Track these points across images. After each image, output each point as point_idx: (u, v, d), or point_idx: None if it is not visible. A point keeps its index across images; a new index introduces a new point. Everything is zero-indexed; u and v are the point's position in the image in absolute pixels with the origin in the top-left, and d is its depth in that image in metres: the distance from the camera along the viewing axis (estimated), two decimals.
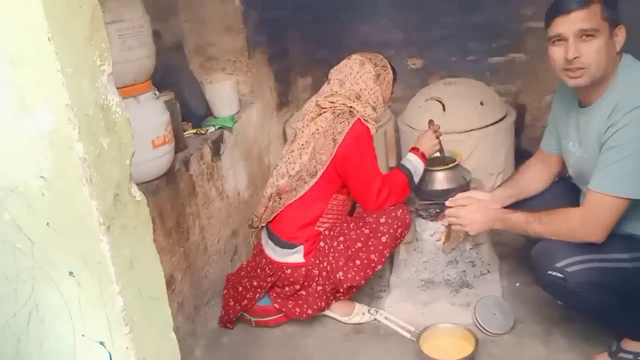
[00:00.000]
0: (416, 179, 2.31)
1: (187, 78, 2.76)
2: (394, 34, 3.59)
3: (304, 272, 2.24)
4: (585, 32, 1.67)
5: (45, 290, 1.03)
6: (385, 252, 2.20)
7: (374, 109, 2.23)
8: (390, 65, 2.31)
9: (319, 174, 2.17)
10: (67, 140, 0.89)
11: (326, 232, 2.24)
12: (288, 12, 3.55)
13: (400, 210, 2.20)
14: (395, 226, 2.18)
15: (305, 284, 2.25)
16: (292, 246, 2.25)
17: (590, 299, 1.74)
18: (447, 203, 2.11)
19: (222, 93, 2.82)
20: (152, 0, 2.40)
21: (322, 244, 2.23)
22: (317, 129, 2.20)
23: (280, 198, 2.29)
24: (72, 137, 0.89)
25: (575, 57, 1.69)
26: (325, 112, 2.22)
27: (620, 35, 1.72)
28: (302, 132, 2.27)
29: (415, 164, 2.31)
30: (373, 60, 2.25)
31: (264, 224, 2.37)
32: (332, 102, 2.22)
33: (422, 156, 2.34)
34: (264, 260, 2.34)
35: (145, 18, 1.97)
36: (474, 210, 2.02)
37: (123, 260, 0.98)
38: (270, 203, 2.34)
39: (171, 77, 2.57)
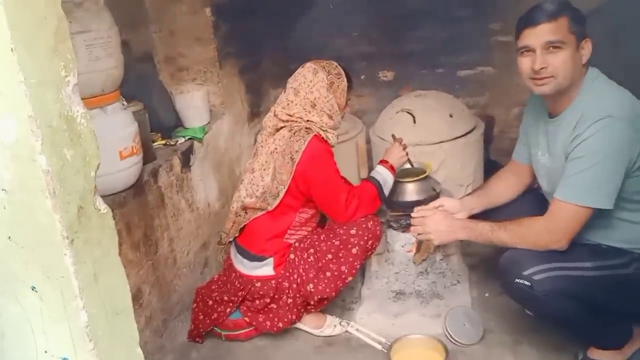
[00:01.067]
0: (386, 191, 2.33)
1: (157, 88, 2.74)
2: (366, 47, 3.62)
3: (274, 285, 2.22)
4: (552, 44, 1.73)
5: (6, 305, 1.01)
6: (355, 263, 2.20)
7: (330, 117, 2.23)
8: (346, 72, 2.30)
9: (281, 195, 2.17)
10: (30, 152, 0.87)
11: (296, 244, 2.24)
12: (260, 24, 3.55)
13: (371, 222, 2.21)
14: (365, 238, 2.18)
15: (276, 297, 2.24)
16: (261, 259, 2.24)
17: (556, 307, 1.77)
18: (412, 214, 2.14)
19: (193, 104, 2.80)
20: (122, 11, 2.37)
21: (292, 256, 2.22)
22: (276, 148, 2.20)
23: (246, 212, 2.30)
24: (34, 148, 0.87)
25: (542, 68, 1.74)
26: (283, 127, 2.21)
27: (587, 48, 1.77)
28: (262, 147, 2.27)
29: (384, 176, 2.33)
30: (326, 69, 2.25)
31: (231, 239, 2.36)
32: (290, 115, 2.21)
33: (391, 168, 2.36)
34: (233, 274, 2.32)
35: (113, 29, 1.95)
36: (438, 220, 2.05)
37: (87, 274, 0.96)
38: (237, 218, 2.33)
39: (141, 87, 2.54)
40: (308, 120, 2.19)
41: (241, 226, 2.30)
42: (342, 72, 2.27)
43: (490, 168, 2.93)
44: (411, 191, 2.43)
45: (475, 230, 1.96)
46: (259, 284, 2.24)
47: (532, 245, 1.80)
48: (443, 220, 2.04)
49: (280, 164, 2.17)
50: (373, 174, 2.35)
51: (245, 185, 2.31)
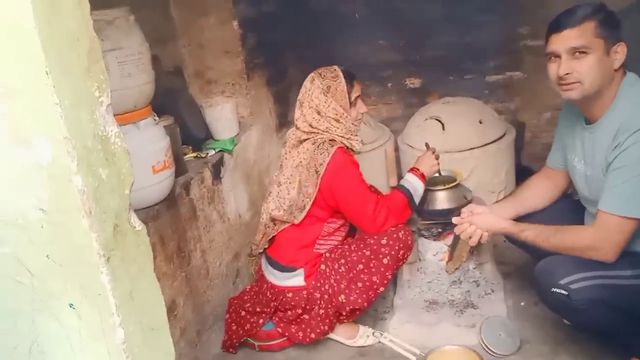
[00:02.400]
0: (416, 199, 2.30)
1: (186, 102, 2.77)
2: (392, 55, 3.61)
3: (305, 296, 2.22)
4: (577, 50, 1.71)
5: (45, 323, 1.02)
6: (387, 274, 2.19)
7: (337, 120, 2.20)
8: (346, 72, 2.25)
9: (307, 207, 2.18)
10: (66, 172, 0.89)
11: (327, 254, 2.23)
12: (286, 34, 3.58)
13: (402, 232, 2.19)
14: (397, 247, 2.16)
15: (308, 307, 2.24)
16: (292, 269, 2.24)
17: (595, 316, 1.73)
18: (453, 220, 2.11)
19: (222, 116, 2.83)
20: (151, 26, 2.42)
21: (323, 266, 2.22)
22: (300, 161, 2.20)
23: (275, 224, 2.31)
24: (70, 169, 0.88)
25: (567, 74, 1.72)
26: (306, 140, 2.22)
27: (620, 52, 1.73)
28: (287, 160, 2.28)
29: (414, 184, 2.30)
30: (322, 74, 2.23)
31: (261, 250, 2.37)
32: (311, 127, 2.21)
33: (422, 176, 2.33)
34: (265, 285, 2.33)
35: (144, 45, 1.98)
36: (483, 218, 2.03)
37: (123, 292, 0.97)
38: (266, 229, 2.35)
39: (171, 101, 2.58)
40: (325, 130, 2.19)
41: (270, 237, 2.31)
42: (339, 74, 2.22)
43: (523, 174, 2.88)
44: (442, 199, 2.40)
45: (518, 236, 1.94)
46: (290, 295, 2.24)
47: (577, 254, 1.77)
48: (488, 218, 2.03)
49: (306, 177, 2.17)
50: (403, 182, 2.32)
51: (273, 198, 2.32)
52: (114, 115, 1.91)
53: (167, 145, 2.07)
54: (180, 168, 2.28)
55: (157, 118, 2.09)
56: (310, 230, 2.23)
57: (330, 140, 2.17)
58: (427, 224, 2.45)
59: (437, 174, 2.43)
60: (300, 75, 3.70)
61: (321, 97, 2.20)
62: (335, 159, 2.12)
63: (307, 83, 2.26)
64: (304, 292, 2.22)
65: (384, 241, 2.16)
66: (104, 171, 0.94)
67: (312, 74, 2.27)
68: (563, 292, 1.73)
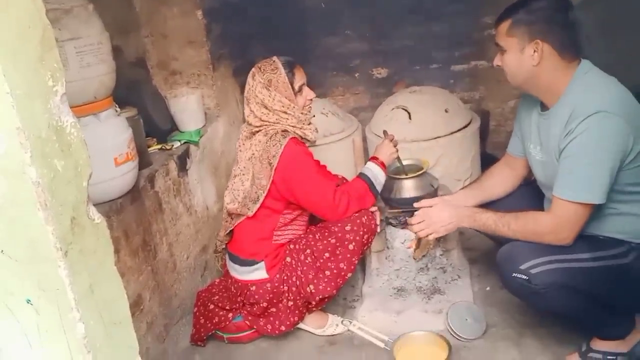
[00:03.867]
0: (378, 187, 2.29)
1: (150, 93, 2.73)
2: (358, 45, 3.62)
3: (269, 288, 2.22)
4: (499, 47, 1.87)
5: (2, 320, 0.99)
6: (353, 259, 2.19)
7: (285, 112, 2.19)
8: (286, 62, 2.21)
9: (261, 199, 2.17)
10: (19, 165, 0.86)
11: (291, 246, 2.23)
12: (252, 25, 3.54)
13: (365, 217, 2.20)
14: (361, 232, 2.17)
15: (275, 300, 2.23)
16: (251, 263, 2.24)
17: (555, 300, 1.77)
18: (409, 220, 2.12)
19: (187, 107, 2.79)
20: (112, 16, 2.36)
21: (288, 259, 2.22)
22: (253, 154, 2.19)
23: (232, 218, 2.30)
24: (24, 161, 0.85)
25: (497, 65, 1.90)
26: (259, 132, 2.20)
27: (538, 50, 1.77)
28: (241, 152, 2.27)
29: (374, 171, 2.30)
30: (262, 68, 2.21)
31: (224, 246, 2.37)
32: (263, 121, 2.19)
33: (382, 164, 2.33)
34: (230, 280, 2.33)
35: (104, 35, 1.94)
36: (440, 210, 2.03)
37: (82, 286, 0.95)
38: (225, 224, 2.35)
39: (134, 92, 2.53)
40: (276, 122, 2.18)
41: (228, 232, 2.31)
42: (279, 66, 2.19)
43: (488, 162, 2.93)
44: (409, 188, 2.42)
45: (479, 220, 1.95)
46: (254, 288, 2.23)
47: (537, 240, 1.80)
48: (444, 210, 2.03)
49: (259, 169, 2.16)
50: (363, 170, 2.33)
51: (229, 191, 2.31)
52: (74, 106, 1.86)
53: (129, 137, 2.02)
54: (144, 160, 2.24)
55: (118, 109, 2.05)
56: (266, 222, 2.22)
57: (282, 131, 2.16)
58: (395, 212, 2.47)
59: (398, 163, 2.44)
60: None
61: (264, 91, 2.18)
62: (287, 150, 2.10)
63: (249, 79, 2.23)
64: (268, 284, 2.22)
65: (348, 227, 2.16)
66: (59, 162, 0.91)
67: (253, 69, 2.24)
68: (523, 277, 1.76)
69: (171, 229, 2.36)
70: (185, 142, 2.63)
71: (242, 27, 3.43)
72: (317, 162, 2.26)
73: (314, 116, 2.33)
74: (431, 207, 2.06)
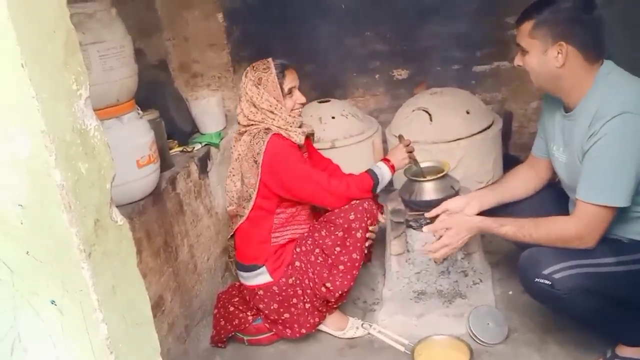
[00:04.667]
0: (381, 186, 2.30)
1: (172, 95, 2.76)
2: (379, 46, 3.60)
3: (276, 291, 2.23)
4: (520, 47, 1.82)
5: (27, 320, 1.01)
6: (363, 246, 2.19)
7: (272, 112, 2.19)
8: (279, 63, 2.22)
9: (253, 196, 2.18)
10: (44, 167, 0.87)
11: (297, 249, 2.22)
12: (272, 27, 3.55)
13: (366, 203, 2.19)
14: (365, 218, 2.17)
15: (285, 304, 2.23)
16: (254, 268, 2.25)
17: (579, 305, 1.74)
18: (426, 248, 2.09)
19: (208, 109, 2.81)
20: (135, 19, 2.39)
21: (297, 263, 2.21)
22: (239, 154, 2.21)
23: (232, 222, 2.33)
24: (49, 163, 0.87)
25: (519, 65, 1.87)
26: (245, 133, 2.22)
27: (562, 52, 1.74)
28: (232, 154, 2.29)
29: (383, 171, 2.30)
30: (255, 67, 2.23)
31: (234, 252, 2.39)
32: (249, 120, 2.21)
33: (392, 167, 2.33)
34: (241, 286, 2.36)
35: (126, 38, 1.96)
36: (455, 231, 1.99)
37: (105, 287, 0.96)
38: (230, 227, 2.38)
39: (156, 94, 2.56)
40: (261, 121, 2.19)
41: (231, 235, 2.33)
42: (270, 66, 2.20)
43: (510, 163, 2.88)
44: (430, 190, 2.39)
45: (498, 234, 1.93)
46: (261, 292, 2.25)
47: (560, 245, 1.77)
48: (461, 229, 1.99)
49: (247, 168, 2.17)
50: (373, 168, 2.32)
51: (226, 194, 2.34)
52: (97, 109, 1.89)
53: (151, 139, 2.05)
54: (166, 162, 2.26)
55: (141, 112, 2.08)
56: (262, 225, 2.22)
57: (265, 129, 2.17)
58: (415, 214, 2.45)
59: (415, 166, 2.42)
60: None
61: (254, 89, 2.20)
62: (271, 146, 2.11)
63: (243, 77, 2.26)
64: (275, 287, 2.23)
65: (352, 216, 2.15)
66: (83, 165, 0.92)
67: (247, 68, 2.27)
68: (546, 282, 1.73)
69: (192, 231, 2.38)
70: (206, 144, 2.66)
71: (263, 29, 3.44)
72: (303, 157, 2.26)
73: (301, 123, 2.30)
74: (449, 228, 2.01)
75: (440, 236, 2.08)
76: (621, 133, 1.65)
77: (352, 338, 2.32)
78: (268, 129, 2.17)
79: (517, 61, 1.87)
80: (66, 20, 0.92)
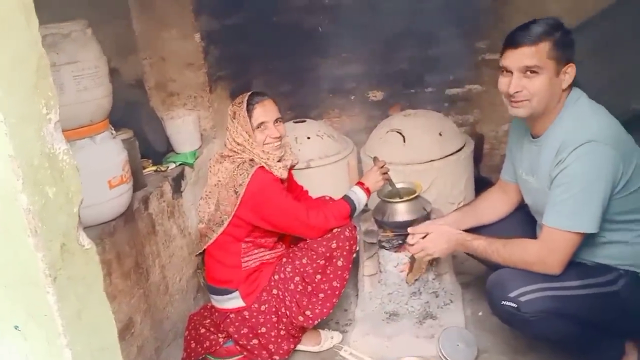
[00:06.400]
0: (358, 211, 2.34)
1: (147, 115, 2.75)
2: (355, 68, 3.66)
3: (247, 316, 2.22)
4: (529, 69, 1.73)
5: None
6: (344, 275, 2.22)
7: (239, 144, 2.21)
8: (251, 98, 2.23)
9: (225, 223, 2.18)
10: (11, 191, 0.87)
11: (276, 276, 2.23)
12: (250, 47, 3.57)
13: (348, 230, 2.22)
14: (347, 247, 2.20)
15: (255, 331, 2.23)
16: (226, 292, 2.24)
17: (545, 327, 1.77)
18: (408, 240, 2.14)
19: (183, 129, 2.81)
20: (111, 39, 2.40)
21: (274, 291, 2.22)
22: (219, 180, 2.22)
23: (201, 241, 2.33)
24: (15, 187, 0.87)
25: (517, 92, 1.76)
26: (228, 158, 2.24)
27: (570, 73, 1.77)
28: (210, 174, 2.30)
29: (359, 196, 2.34)
30: (235, 100, 2.28)
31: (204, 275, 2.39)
32: (231, 149, 2.24)
33: (367, 190, 2.37)
34: (213, 309, 2.36)
35: (102, 58, 1.96)
36: (435, 238, 2.05)
37: (71, 312, 0.95)
38: (199, 244, 2.38)
39: (131, 113, 2.55)
40: (243, 152, 2.21)
41: (199, 253, 2.35)
42: (244, 100, 2.23)
43: (481, 185, 2.95)
44: (402, 211, 2.43)
45: (470, 247, 1.98)
46: (232, 316, 2.25)
47: (525, 268, 1.80)
48: (440, 237, 2.05)
49: (224, 196, 2.18)
50: (349, 193, 2.35)
51: (197, 212, 2.35)
52: (69, 129, 1.88)
53: (124, 159, 2.04)
54: (139, 182, 2.25)
55: (114, 132, 2.06)
56: (230, 250, 2.22)
57: (250, 160, 2.19)
58: (388, 235, 2.47)
59: (390, 186, 2.46)
60: (264, 89, 3.75)
61: (230, 122, 2.25)
62: (255, 180, 2.12)
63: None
64: (246, 312, 2.22)
65: (334, 245, 2.18)
66: (51, 189, 0.92)
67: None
68: (513, 304, 1.76)
69: (164, 251, 2.37)
70: (180, 164, 2.65)
71: (240, 49, 3.47)
72: (285, 190, 2.27)
73: (281, 157, 2.28)
74: (425, 236, 2.07)
75: (413, 256, 2.13)
76: (588, 161, 1.68)
77: (329, 349, 2.35)
78: (252, 160, 2.19)
79: (516, 87, 1.75)
80: (38, 45, 0.93)
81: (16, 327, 0.95)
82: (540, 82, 1.73)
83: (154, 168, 2.56)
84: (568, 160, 1.70)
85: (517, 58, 1.74)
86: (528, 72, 1.74)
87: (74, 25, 1.88)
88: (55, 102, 0.96)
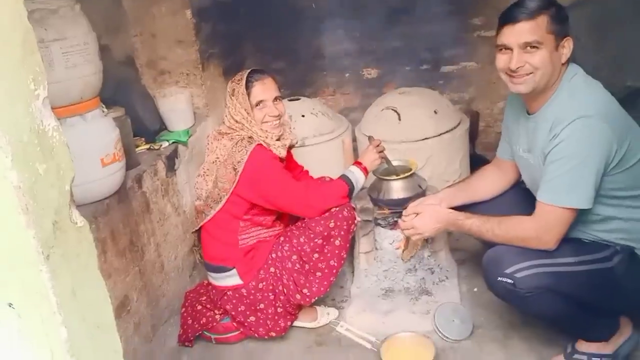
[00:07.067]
0: (356, 191, 2.34)
1: (139, 93, 2.71)
2: (349, 45, 3.63)
3: (244, 293, 2.23)
4: (530, 44, 1.72)
5: None
6: (342, 254, 2.22)
7: (242, 123, 2.20)
8: (250, 75, 2.21)
9: (223, 200, 2.18)
10: (0, 169, 0.86)
11: (273, 254, 2.23)
12: (243, 24, 3.54)
13: (346, 210, 2.21)
14: (345, 226, 2.19)
15: (253, 307, 2.24)
16: (223, 269, 2.25)
17: (540, 303, 1.78)
18: (399, 221, 2.14)
19: (176, 107, 2.78)
20: (101, 15, 2.35)
21: (272, 269, 2.22)
22: (217, 157, 2.21)
23: (197, 218, 2.33)
24: (5, 164, 0.85)
25: (518, 67, 1.74)
26: (226, 135, 2.22)
27: (567, 47, 1.76)
28: (208, 152, 2.29)
29: (356, 176, 2.34)
30: (233, 78, 2.26)
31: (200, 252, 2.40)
32: (230, 126, 2.23)
33: (364, 170, 2.37)
34: (210, 286, 2.36)
35: (91, 35, 1.92)
36: (425, 218, 2.05)
37: (65, 289, 0.95)
38: (195, 220, 2.38)
39: (123, 92, 2.52)
40: (241, 129, 2.20)
41: (197, 228, 2.34)
42: (243, 77, 2.21)
43: (477, 163, 2.95)
44: (398, 189, 2.42)
45: (463, 226, 1.96)
46: (230, 293, 2.25)
47: (520, 244, 1.80)
48: (431, 216, 2.04)
49: (223, 173, 2.17)
50: (346, 172, 2.35)
51: (195, 189, 2.35)
52: (59, 107, 1.86)
53: (116, 137, 2.02)
54: (132, 160, 2.23)
55: (105, 109, 2.04)
56: (228, 227, 2.22)
57: (249, 137, 2.18)
58: (383, 213, 2.48)
59: (386, 164, 2.46)
60: (258, 65, 3.71)
61: (229, 99, 2.23)
62: (253, 157, 2.12)
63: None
64: (243, 290, 2.23)
65: (331, 224, 2.17)
66: (41, 166, 0.90)
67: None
68: (509, 280, 1.77)
69: (159, 230, 2.36)
70: (173, 142, 2.63)
71: (232, 26, 3.42)
72: (284, 169, 2.26)
73: (280, 136, 2.27)
74: (416, 215, 2.06)
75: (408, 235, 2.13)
76: (581, 136, 1.68)
77: (326, 324, 2.37)
78: (251, 137, 2.17)
79: (518, 62, 1.73)
80: (23, 19, 0.90)
81: (10, 305, 0.94)
82: (541, 56, 1.71)
83: (147, 146, 2.54)
84: (561, 136, 1.69)
85: (517, 34, 1.72)
86: (528, 48, 1.72)
87: (61, 0, 1.84)
88: (43, 78, 0.94)
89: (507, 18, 1.75)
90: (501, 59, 1.79)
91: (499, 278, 1.79)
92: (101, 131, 1.95)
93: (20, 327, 0.96)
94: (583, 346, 1.93)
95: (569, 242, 1.80)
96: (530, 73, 1.74)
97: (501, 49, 1.79)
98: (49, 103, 0.94)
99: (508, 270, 1.77)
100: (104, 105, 2.03)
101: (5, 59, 0.86)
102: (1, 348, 0.97)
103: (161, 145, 2.57)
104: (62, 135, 0.96)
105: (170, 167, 2.51)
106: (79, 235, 0.99)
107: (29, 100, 0.90)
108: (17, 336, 0.97)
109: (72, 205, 0.99)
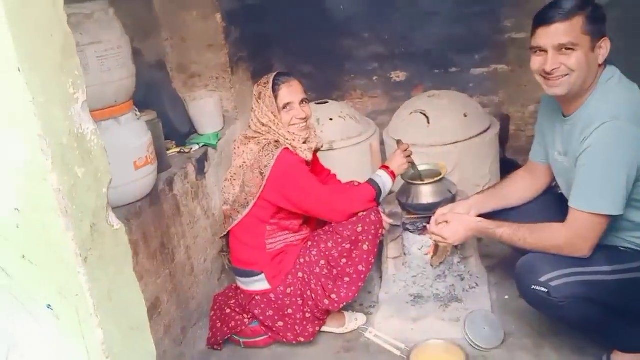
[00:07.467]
0: (384, 195, 2.33)
1: (170, 96, 2.74)
2: (377, 48, 3.61)
3: (273, 299, 2.23)
4: (564, 46, 1.68)
5: (23, 324, 1.00)
6: (370, 259, 2.21)
7: (269, 127, 2.20)
8: (277, 78, 2.21)
9: (250, 204, 2.18)
10: (41, 171, 0.87)
11: (301, 260, 2.22)
12: (271, 28, 3.55)
13: (373, 214, 2.20)
14: (373, 231, 2.18)
15: (281, 313, 2.24)
16: (252, 274, 2.25)
17: (574, 312, 1.74)
18: (428, 227, 2.12)
19: (206, 110, 2.80)
20: (132, 20, 2.39)
21: (300, 274, 2.21)
22: (244, 162, 2.21)
23: (226, 222, 2.33)
24: (45, 168, 0.86)
25: (553, 69, 1.71)
26: (253, 140, 2.22)
27: (604, 48, 1.72)
28: (235, 156, 2.29)
29: (384, 180, 2.32)
30: (259, 81, 2.26)
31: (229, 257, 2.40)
32: (256, 130, 2.23)
33: (392, 174, 2.35)
34: (238, 290, 2.37)
35: (124, 38, 1.95)
36: (455, 226, 2.01)
37: (101, 292, 0.96)
38: (224, 225, 2.39)
39: (154, 95, 2.55)
40: (268, 132, 2.20)
41: (224, 235, 2.35)
42: (270, 80, 2.21)
43: (507, 167, 2.90)
44: (427, 194, 2.40)
45: (493, 236, 1.94)
46: (258, 298, 2.25)
47: (553, 252, 1.77)
48: (460, 225, 2.01)
49: (250, 177, 2.18)
50: (374, 177, 2.34)
51: (222, 193, 2.35)
52: (94, 110, 1.88)
53: (149, 140, 2.04)
54: (163, 163, 2.25)
55: (138, 113, 2.06)
56: (254, 231, 2.22)
57: (275, 141, 2.17)
58: (412, 218, 2.45)
59: (412, 169, 2.44)
60: (286, 69, 3.72)
61: (256, 103, 2.23)
62: (280, 161, 2.12)
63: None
64: (272, 295, 2.23)
65: (359, 229, 2.16)
66: (80, 169, 0.92)
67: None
68: (543, 289, 1.73)
69: (189, 232, 2.37)
70: (203, 145, 2.65)
71: (261, 30, 3.44)
72: (310, 173, 2.26)
73: (306, 139, 2.26)
74: (445, 224, 2.03)
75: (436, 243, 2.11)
76: (609, 140, 1.64)
77: (354, 330, 2.34)
78: (277, 141, 2.18)
79: (553, 64, 1.70)
80: (63, 24, 0.92)
81: (49, 307, 0.95)
82: (577, 57, 1.68)
83: (178, 149, 2.56)
84: (590, 140, 1.66)
85: (552, 36, 1.69)
86: (563, 49, 1.69)
87: (96, 5, 1.87)
88: (82, 82, 0.96)
89: (542, 19, 1.72)
90: (536, 61, 1.76)
91: (533, 286, 1.76)
92: (134, 134, 1.98)
93: (59, 329, 0.98)
94: (619, 357, 1.88)
95: (604, 249, 1.76)
96: (566, 75, 1.71)
97: (536, 51, 1.76)
98: (87, 107, 0.95)
99: (542, 279, 1.73)
100: (137, 109, 2.05)
101: (45, 63, 0.87)
102: (40, 349, 0.98)
103: (191, 149, 2.59)
104: (100, 139, 0.97)
105: (200, 170, 2.53)
106: (115, 238, 1.00)
107: (69, 103, 0.91)
108: (55, 337, 0.98)
109: (109, 208, 1.00)
